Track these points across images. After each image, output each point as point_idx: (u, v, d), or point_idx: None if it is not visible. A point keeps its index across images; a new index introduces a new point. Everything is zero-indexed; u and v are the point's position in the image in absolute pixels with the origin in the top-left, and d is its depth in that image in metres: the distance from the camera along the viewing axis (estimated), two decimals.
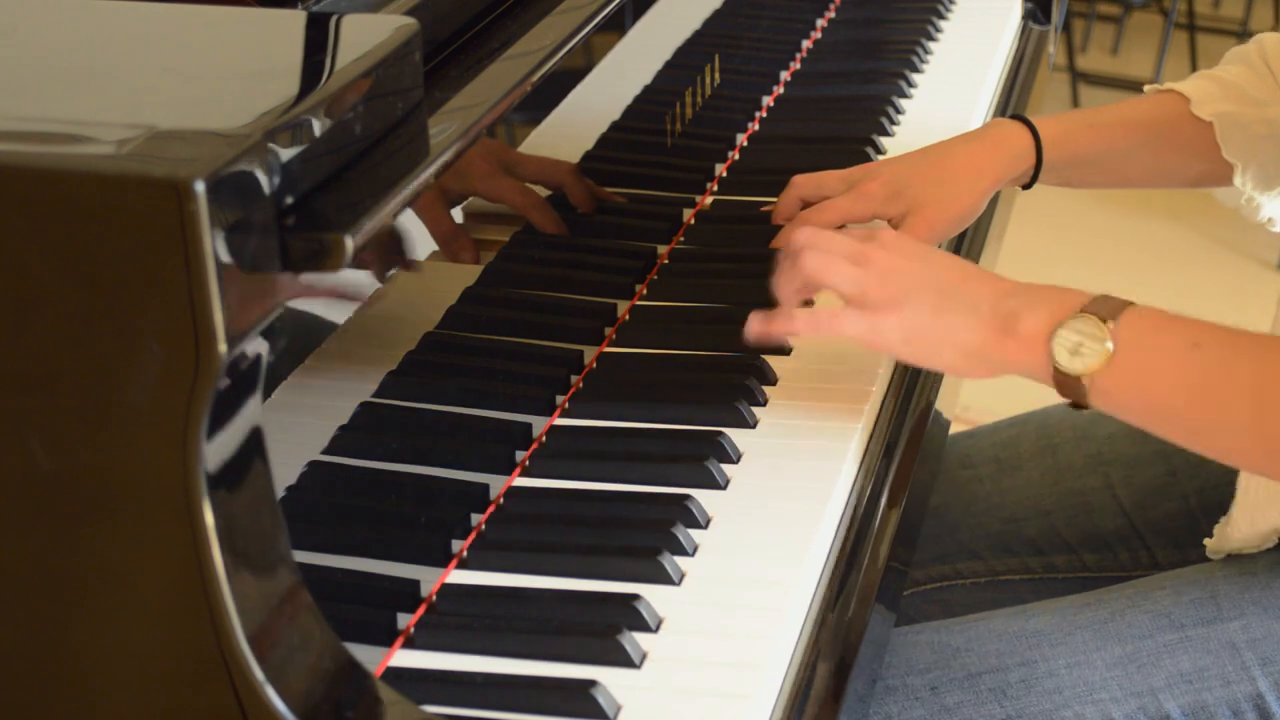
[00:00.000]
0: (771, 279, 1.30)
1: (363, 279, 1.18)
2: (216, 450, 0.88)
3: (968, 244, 1.67)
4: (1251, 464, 1.23)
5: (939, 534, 1.68)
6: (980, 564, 1.67)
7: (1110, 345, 1.17)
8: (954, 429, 1.65)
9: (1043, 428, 1.71)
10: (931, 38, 2.08)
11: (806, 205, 1.53)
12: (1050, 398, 1.69)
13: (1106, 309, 1.19)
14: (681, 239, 1.60)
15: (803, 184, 1.55)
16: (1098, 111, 1.67)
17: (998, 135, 1.58)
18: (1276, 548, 1.40)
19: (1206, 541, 1.45)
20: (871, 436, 1.33)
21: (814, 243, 1.27)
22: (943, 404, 1.45)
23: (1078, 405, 1.21)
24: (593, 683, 1.03)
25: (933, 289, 1.24)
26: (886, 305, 1.23)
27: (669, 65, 1.67)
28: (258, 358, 0.91)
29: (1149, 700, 1.31)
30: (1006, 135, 1.58)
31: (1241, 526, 1.41)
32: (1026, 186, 1.62)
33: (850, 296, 1.25)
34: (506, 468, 1.26)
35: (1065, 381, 1.19)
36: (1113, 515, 1.64)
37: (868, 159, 1.74)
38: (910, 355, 1.26)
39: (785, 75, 1.96)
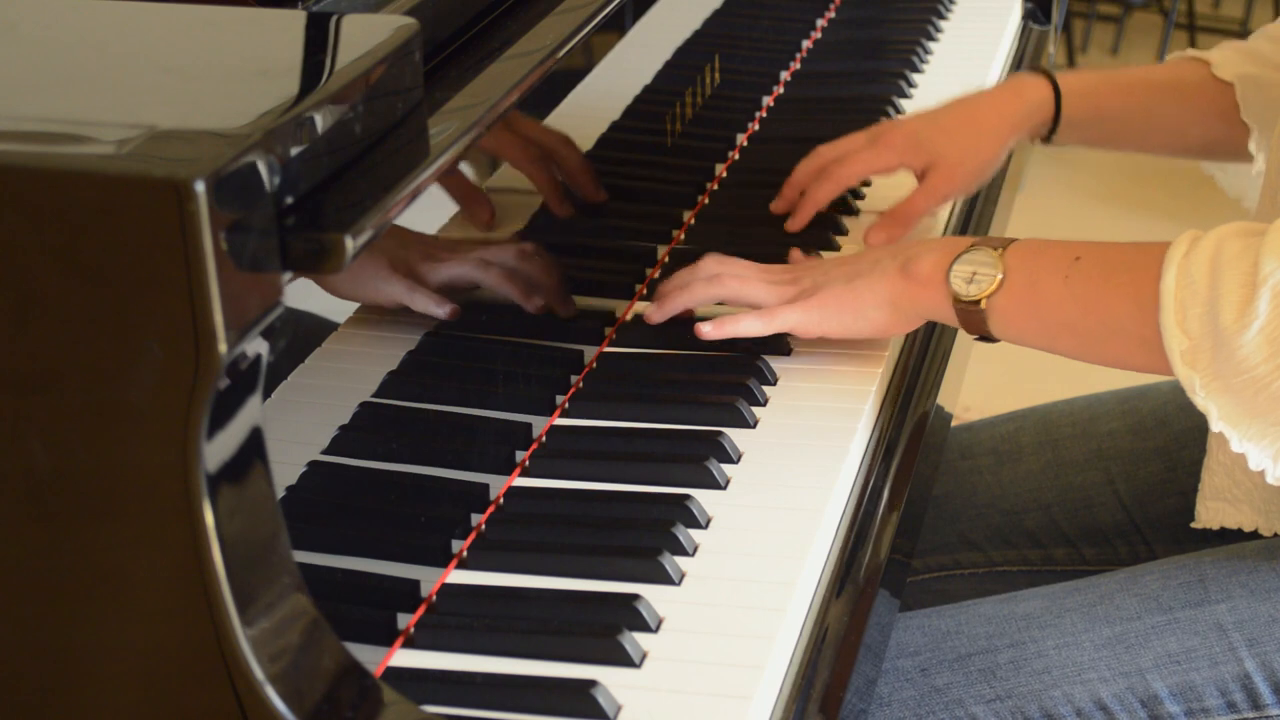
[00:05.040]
0: (678, 288, 1.41)
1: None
2: (216, 450, 0.88)
3: None
4: (1140, 364, 1.27)
5: (938, 524, 1.69)
6: (979, 555, 1.68)
7: (1001, 269, 1.28)
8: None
9: (1043, 423, 1.72)
10: (931, 38, 2.08)
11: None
12: (1049, 394, 1.69)
13: (995, 241, 1.31)
14: (681, 239, 1.60)
15: (826, 152, 1.60)
16: (1119, 70, 1.71)
17: (1018, 85, 1.64)
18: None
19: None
20: (872, 435, 1.34)
21: (729, 270, 1.40)
22: (944, 400, 1.45)
23: (984, 337, 1.32)
24: (593, 683, 1.03)
25: (839, 266, 1.38)
26: (806, 294, 1.36)
27: (669, 65, 1.67)
28: (258, 358, 0.91)
29: (1137, 680, 1.31)
30: (1027, 85, 1.64)
31: (1203, 515, 1.45)
32: (1046, 140, 1.66)
33: (774, 304, 1.37)
34: (506, 468, 1.26)
35: (966, 311, 1.30)
36: (1112, 510, 1.65)
37: None
38: (839, 327, 1.37)
39: (785, 75, 1.96)
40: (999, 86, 1.66)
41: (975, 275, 1.29)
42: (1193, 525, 1.46)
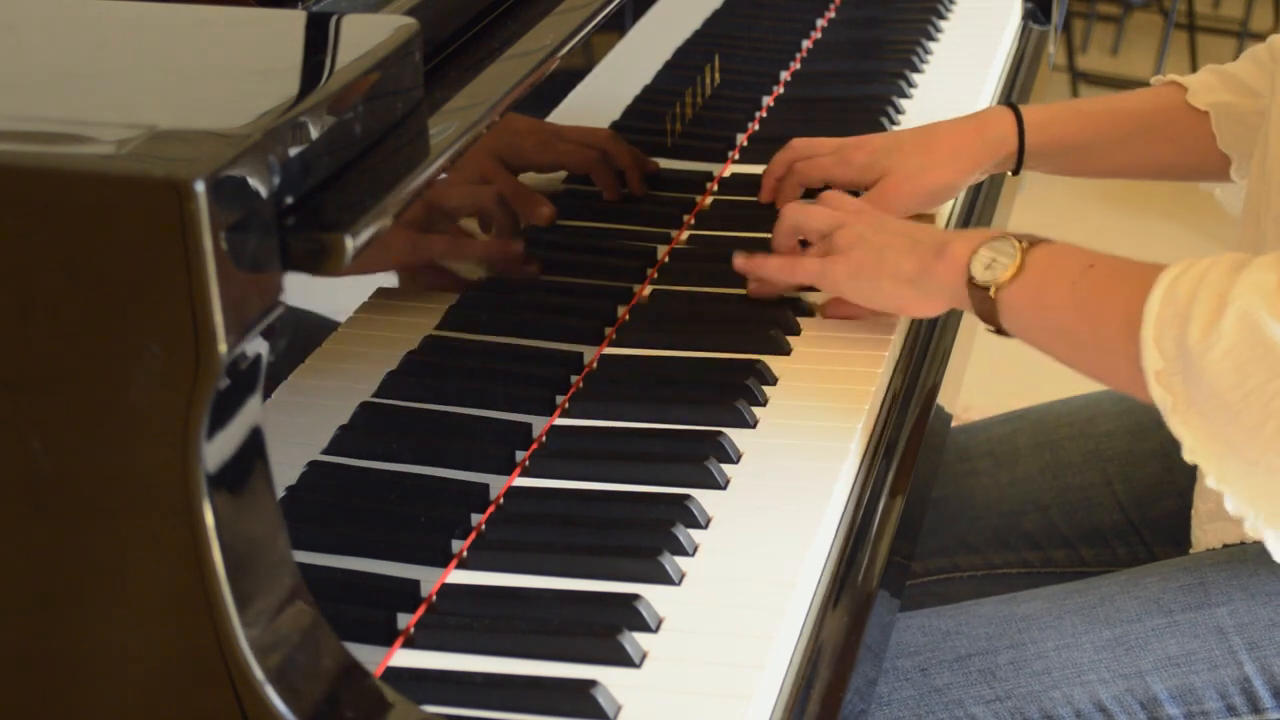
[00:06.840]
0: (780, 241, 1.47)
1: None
2: (216, 450, 0.88)
3: None
4: (1123, 381, 1.24)
5: (936, 527, 1.69)
6: (978, 558, 1.68)
7: (1018, 260, 1.27)
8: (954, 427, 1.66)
9: (1040, 424, 1.71)
10: (931, 38, 2.08)
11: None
12: (1047, 395, 1.69)
13: (1029, 236, 1.30)
14: (682, 239, 1.60)
15: (798, 146, 1.64)
16: (1091, 100, 1.70)
17: (982, 118, 1.64)
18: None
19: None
20: (872, 436, 1.34)
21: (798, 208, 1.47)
22: (944, 401, 1.45)
23: (996, 329, 1.30)
24: (593, 683, 1.03)
25: (882, 232, 1.38)
26: (841, 249, 1.38)
27: (669, 65, 1.67)
28: (258, 358, 0.91)
29: (1137, 682, 1.32)
30: (990, 119, 1.64)
31: (1202, 539, 1.45)
32: (1015, 172, 1.66)
33: (820, 233, 1.41)
34: (506, 468, 1.26)
35: (979, 296, 1.29)
36: (1111, 511, 1.65)
37: None
38: (856, 291, 1.39)
39: (785, 75, 1.96)
40: (966, 118, 1.66)
41: (994, 261, 1.28)
42: (1191, 551, 1.46)
